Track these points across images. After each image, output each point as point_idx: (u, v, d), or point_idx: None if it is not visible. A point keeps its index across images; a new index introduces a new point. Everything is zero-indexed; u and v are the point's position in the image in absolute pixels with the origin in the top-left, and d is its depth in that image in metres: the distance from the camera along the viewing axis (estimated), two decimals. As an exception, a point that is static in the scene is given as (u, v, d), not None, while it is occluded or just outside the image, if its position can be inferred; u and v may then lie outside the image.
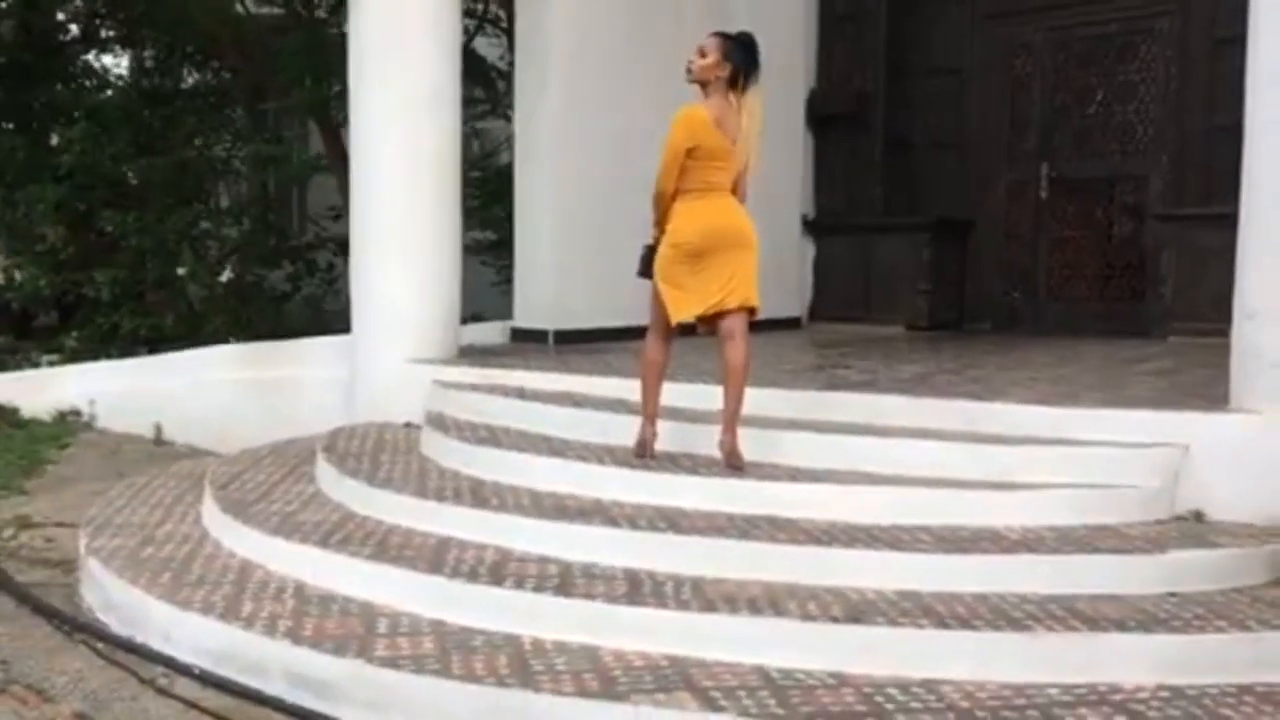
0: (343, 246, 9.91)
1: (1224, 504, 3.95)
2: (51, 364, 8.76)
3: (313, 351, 6.80)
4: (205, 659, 3.46)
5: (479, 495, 4.27)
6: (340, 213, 10.14)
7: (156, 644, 3.62)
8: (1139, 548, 3.65)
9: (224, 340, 8.91)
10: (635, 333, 7.33)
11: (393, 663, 3.18)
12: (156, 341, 8.98)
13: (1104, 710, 2.87)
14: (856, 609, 3.29)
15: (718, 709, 2.87)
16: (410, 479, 4.61)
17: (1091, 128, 8.72)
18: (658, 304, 4.34)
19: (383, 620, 3.49)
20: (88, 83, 10.24)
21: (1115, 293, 8.60)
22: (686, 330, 4.38)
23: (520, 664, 3.17)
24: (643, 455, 4.37)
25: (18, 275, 8.97)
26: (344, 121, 9.66)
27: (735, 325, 4.23)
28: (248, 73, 10.20)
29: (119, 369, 7.63)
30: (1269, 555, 3.66)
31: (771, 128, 8.27)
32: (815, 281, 9.44)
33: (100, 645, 3.75)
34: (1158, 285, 7.97)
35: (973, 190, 9.13)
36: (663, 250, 4.30)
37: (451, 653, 3.24)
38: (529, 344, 7.08)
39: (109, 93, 9.90)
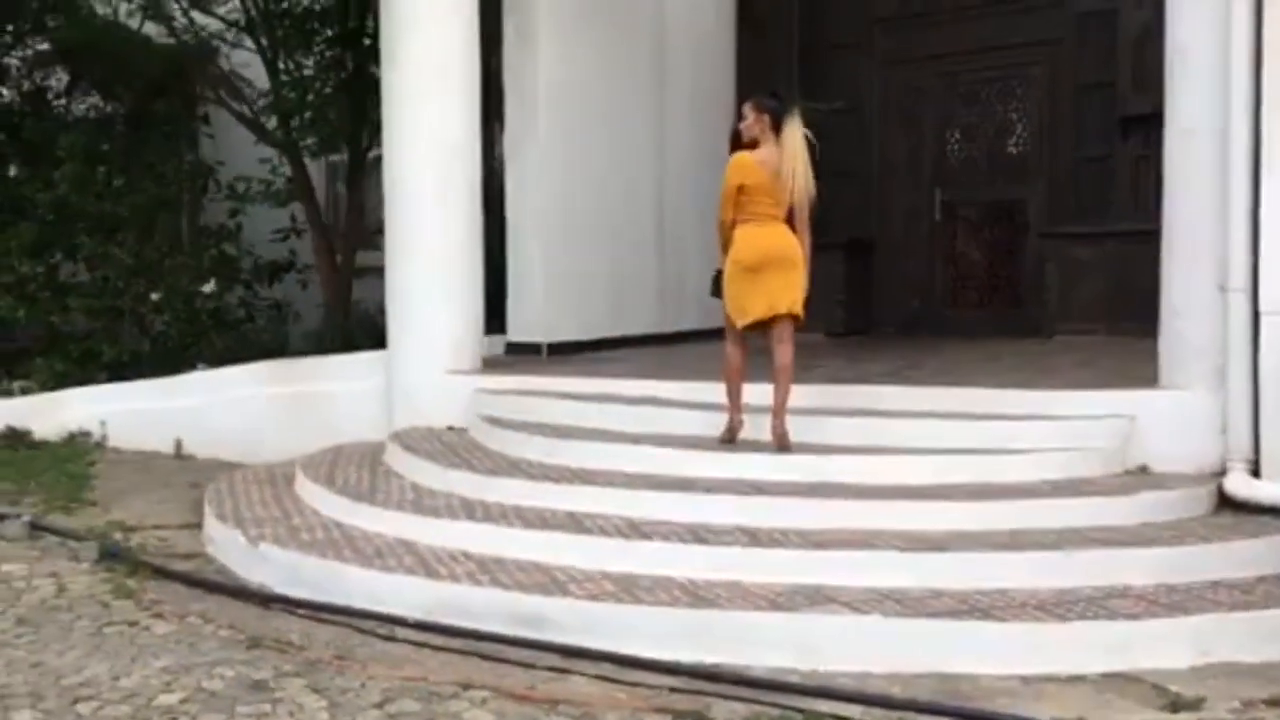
0: (280, 270, 10.58)
1: (1163, 458, 5.16)
2: (26, 391, 9.03)
3: (341, 367, 7.44)
4: (416, 612, 4.23)
5: (584, 478, 5.13)
6: (287, 234, 10.75)
7: (361, 604, 4.36)
8: (1114, 491, 4.82)
9: (193, 365, 9.39)
10: (615, 343, 8.40)
11: (592, 597, 4.05)
12: (129, 366, 9.36)
13: (1127, 600, 3.99)
14: (932, 542, 4.34)
15: (862, 613, 3.86)
16: (503, 469, 5.43)
17: (977, 158, 10.15)
18: (727, 316, 5.31)
19: (557, 572, 4.33)
20: (56, 121, 10.55)
21: (1002, 300, 10.02)
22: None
23: (688, 594, 4.08)
24: (730, 440, 5.32)
25: (-5, 307, 9.20)
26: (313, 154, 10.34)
27: (784, 330, 5.24)
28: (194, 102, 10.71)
29: (132, 390, 8.04)
30: (1207, 493, 4.88)
31: (701, 158, 9.47)
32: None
33: (300, 611, 4.46)
34: (1041, 293, 9.39)
35: (875, 214, 10.44)
36: (727, 269, 5.28)
37: (629, 591, 4.13)
38: (523, 356, 7.91)
39: (73, 133, 10.18)
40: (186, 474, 7.24)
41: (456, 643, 4.05)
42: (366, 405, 7.01)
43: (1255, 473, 4.92)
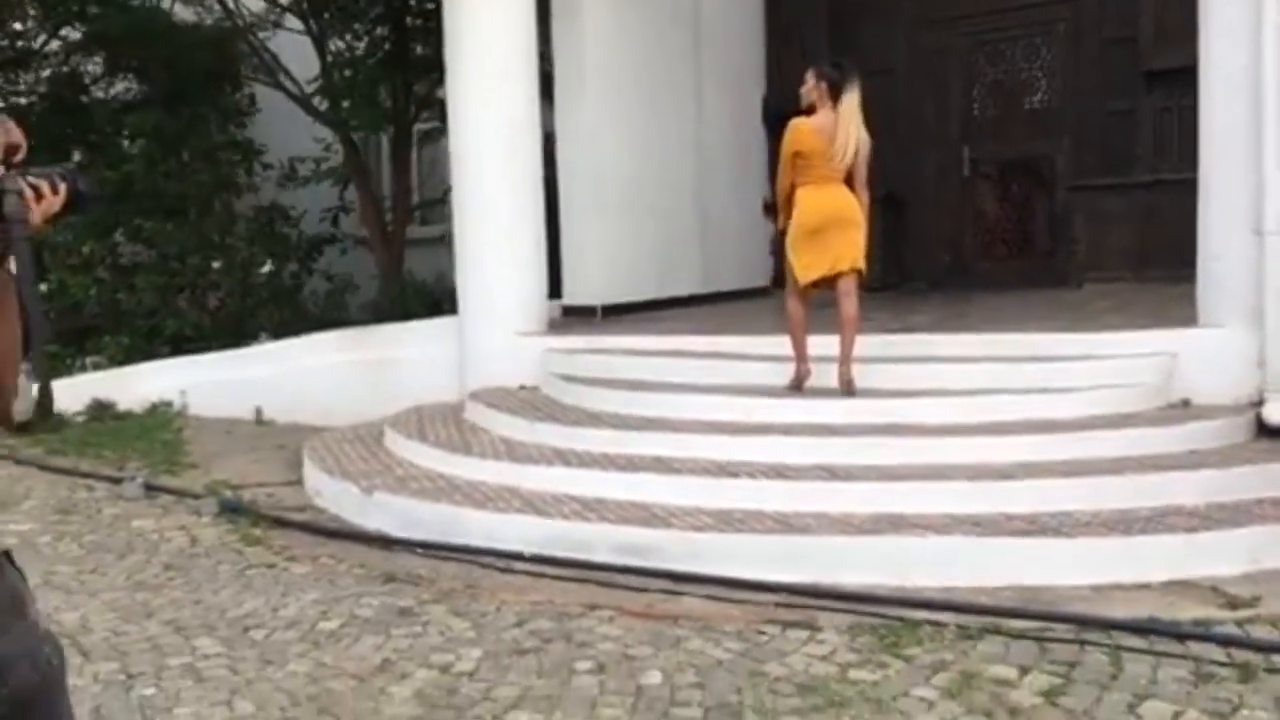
0: (323, 243, 10.96)
1: (1203, 392, 5.54)
2: (97, 366, 9.46)
3: (413, 333, 7.85)
4: (531, 547, 4.65)
5: (667, 425, 5.53)
6: (336, 212, 11.13)
7: (478, 543, 4.77)
8: (1161, 422, 5.21)
9: (255, 335, 9.81)
10: (663, 304, 8.77)
11: (693, 528, 4.47)
12: (191, 340, 9.77)
13: (1181, 517, 4.38)
14: (998, 472, 4.74)
15: (947, 534, 4.27)
16: (586, 420, 5.83)
17: (1004, 116, 10.47)
18: (791, 273, 5.69)
19: (656, 509, 4.74)
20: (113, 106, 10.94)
21: (1031, 253, 10.37)
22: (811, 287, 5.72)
23: (780, 523, 4.49)
24: (798, 388, 5.71)
25: (68, 284, 9.60)
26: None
27: (849, 285, 5.61)
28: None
29: (212, 361, 8.45)
30: (1246, 422, 5.26)
31: (733, 122, 9.81)
32: (776, 253, 10.92)
33: (420, 550, 4.88)
34: (1070, 244, 9.74)
35: (906, 173, 10.76)
36: (791, 230, 5.65)
37: (725, 522, 4.54)
38: (579, 318, 8.29)
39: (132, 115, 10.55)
40: (270, 438, 7.66)
41: (571, 572, 4.47)
42: (438, 369, 7.41)
43: (1290, 402, 5.32)
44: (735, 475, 4.88)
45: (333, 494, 5.69)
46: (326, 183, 10.71)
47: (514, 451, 5.60)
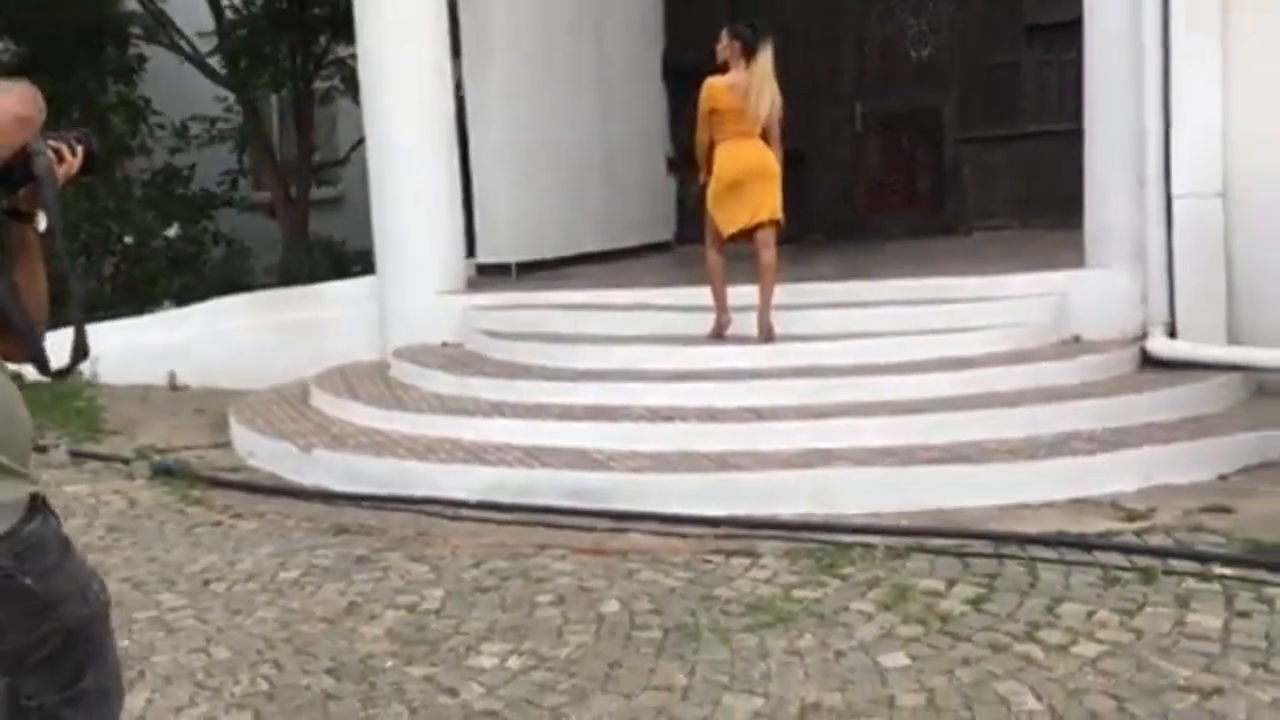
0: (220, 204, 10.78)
1: (1092, 328, 5.94)
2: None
3: (331, 293, 7.88)
4: (476, 495, 4.82)
5: (597, 376, 5.73)
6: (235, 175, 10.99)
7: (422, 494, 4.92)
8: (1056, 357, 5.62)
9: (158, 302, 9.69)
10: (572, 260, 8.93)
11: (633, 470, 4.70)
12: (93, 310, 9.59)
13: (1080, 441, 4.76)
14: (913, 407, 5.06)
15: (869, 465, 4.58)
16: (518, 373, 5.99)
17: (893, 71, 10.84)
18: (711, 224, 5.91)
19: (595, 454, 4.96)
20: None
21: (922, 203, 10.80)
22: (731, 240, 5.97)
23: (714, 462, 4.75)
24: (720, 336, 5.95)
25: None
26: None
27: (768, 235, 5.87)
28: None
29: (120, 328, 8.30)
30: (1131, 354, 5.69)
31: (635, 80, 9.97)
32: (679, 209, 11.15)
33: (365, 503, 5.01)
34: (959, 194, 10.21)
35: (802, 127, 11.06)
36: (711, 185, 5.87)
37: (662, 463, 4.78)
38: (493, 276, 8.41)
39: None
40: (188, 403, 7.64)
41: (518, 517, 4.66)
42: (357, 329, 7.46)
43: (1171, 334, 5.75)
44: (669, 420, 5.12)
45: (268, 453, 5.75)
46: (225, 145, 10.54)
47: (448, 405, 5.75)
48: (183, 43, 10.42)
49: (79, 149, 2.16)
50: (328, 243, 10.01)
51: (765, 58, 5.80)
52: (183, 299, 9.55)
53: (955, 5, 10.37)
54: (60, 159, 2.11)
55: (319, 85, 10.92)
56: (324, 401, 6.34)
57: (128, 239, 9.68)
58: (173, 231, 9.83)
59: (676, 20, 11.12)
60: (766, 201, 5.83)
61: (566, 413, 5.36)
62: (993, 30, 10.14)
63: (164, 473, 5.69)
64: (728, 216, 5.85)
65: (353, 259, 9.80)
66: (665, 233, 10.84)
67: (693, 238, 11.11)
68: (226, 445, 6.29)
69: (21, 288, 2.05)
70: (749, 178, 5.81)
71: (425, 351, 6.82)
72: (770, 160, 5.86)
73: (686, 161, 10.97)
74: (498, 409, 5.57)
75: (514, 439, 5.22)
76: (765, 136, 5.85)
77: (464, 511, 4.77)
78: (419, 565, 4.19)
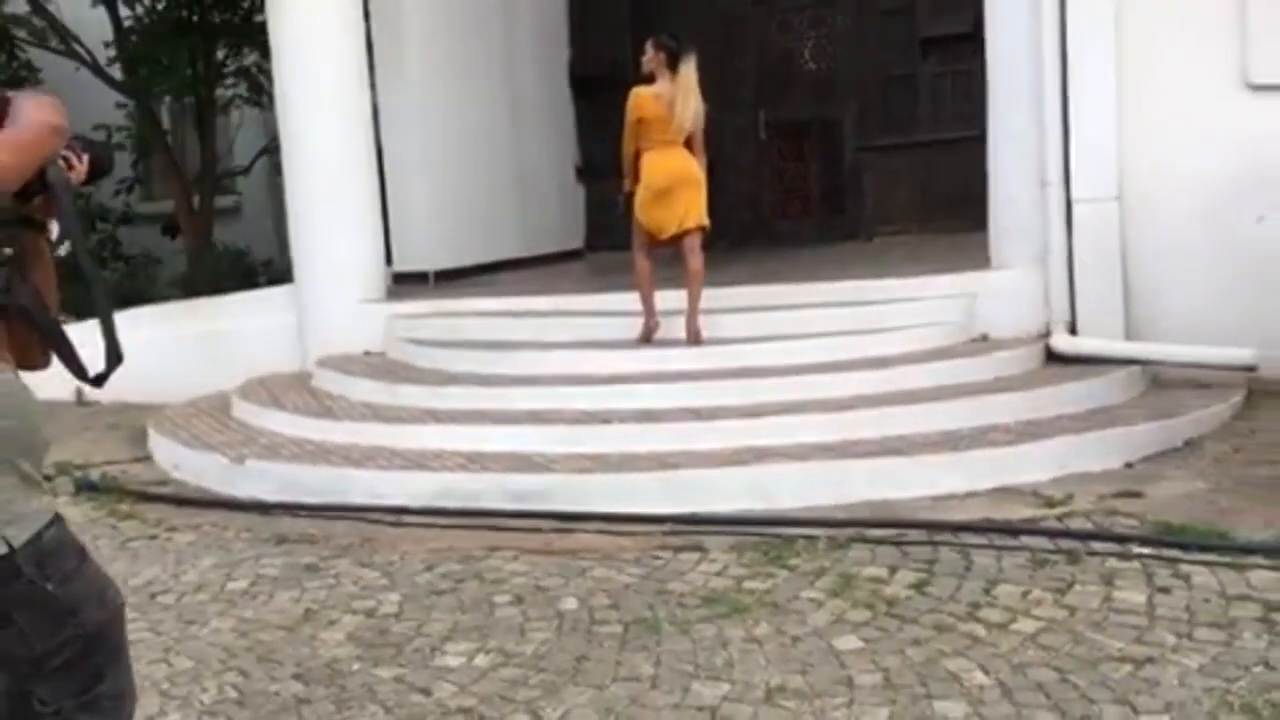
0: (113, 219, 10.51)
1: (999, 327, 6.22)
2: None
3: (247, 304, 7.77)
4: (418, 501, 4.85)
5: (530, 381, 5.80)
6: (132, 184, 10.74)
7: (362, 500, 4.93)
8: (970, 354, 5.88)
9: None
10: (489, 268, 8.97)
11: (575, 471, 4.79)
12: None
13: (998, 433, 5.02)
14: (841, 404, 5.26)
15: (805, 460, 4.75)
16: (448, 380, 6.02)
17: (795, 82, 11.14)
18: (639, 230, 6.04)
19: (535, 457, 5.03)
20: None
21: (825, 209, 11.11)
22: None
23: (655, 462, 4.87)
24: (648, 340, 6.07)
25: None
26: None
27: (694, 241, 6.02)
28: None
29: (22, 343, 8.07)
30: (1037, 351, 5.98)
31: (544, 89, 10.06)
32: (588, 218, 11.27)
33: (302, 513, 4.99)
34: (861, 200, 10.54)
35: (708, 135, 11.27)
36: (640, 193, 6.00)
37: (603, 464, 4.88)
38: (411, 285, 8.40)
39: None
40: (99, 418, 7.46)
41: (462, 521, 4.71)
42: (275, 339, 7.39)
43: (1073, 331, 6.06)
44: (607, 421, 5.23)
45: (195, 466, 5.69)
46: (135, 156, 10.29)
47: (381, 414, 5.75)
48: (80, 49, 10.14)
49: (85, 157, 2.19)
50: (238, 253, 9.84)
51: (689, 69, 5.96)
52: (83, 314, 9.28)
53: (852, 18, 10.73)
54: (69, 166, 2.14)
55: (221, 93, 10.74)
56: (248, 412, 6.28)
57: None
58: (63, 250, 9.51)
59: (580, 26, 11.27)
60: (693, 209, 5.99)
61: (505, 417, 5.43)
62: (889, 43, 10.51)
63: (89, 488, 5.58)
64: (656, 224, 5.98)
65: (260, 269, 9.66)
66: (577, 240, 10.94)
67: (603, 244, 11.35)
68: (147, 459, 6.20)
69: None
70: (676, 185, 5.96)
71: (350, 361, 6.79)
72: (695, 168, 6.01)
73: (593, 169, 11.28)
74: (432, 415, 5.60)
75: (452, 445, 5.26)
76: (689, 144, 6.01)
77: (407, 518, 4.80)
78: (370, 571, 4.22)
